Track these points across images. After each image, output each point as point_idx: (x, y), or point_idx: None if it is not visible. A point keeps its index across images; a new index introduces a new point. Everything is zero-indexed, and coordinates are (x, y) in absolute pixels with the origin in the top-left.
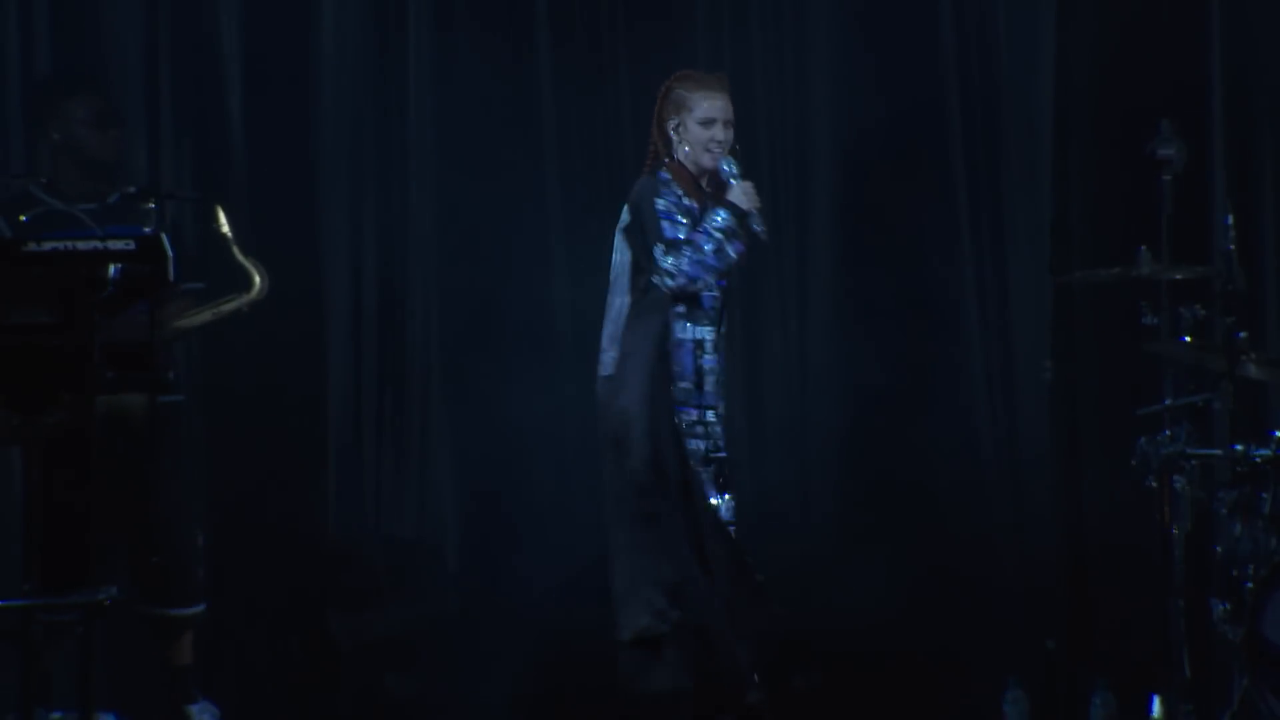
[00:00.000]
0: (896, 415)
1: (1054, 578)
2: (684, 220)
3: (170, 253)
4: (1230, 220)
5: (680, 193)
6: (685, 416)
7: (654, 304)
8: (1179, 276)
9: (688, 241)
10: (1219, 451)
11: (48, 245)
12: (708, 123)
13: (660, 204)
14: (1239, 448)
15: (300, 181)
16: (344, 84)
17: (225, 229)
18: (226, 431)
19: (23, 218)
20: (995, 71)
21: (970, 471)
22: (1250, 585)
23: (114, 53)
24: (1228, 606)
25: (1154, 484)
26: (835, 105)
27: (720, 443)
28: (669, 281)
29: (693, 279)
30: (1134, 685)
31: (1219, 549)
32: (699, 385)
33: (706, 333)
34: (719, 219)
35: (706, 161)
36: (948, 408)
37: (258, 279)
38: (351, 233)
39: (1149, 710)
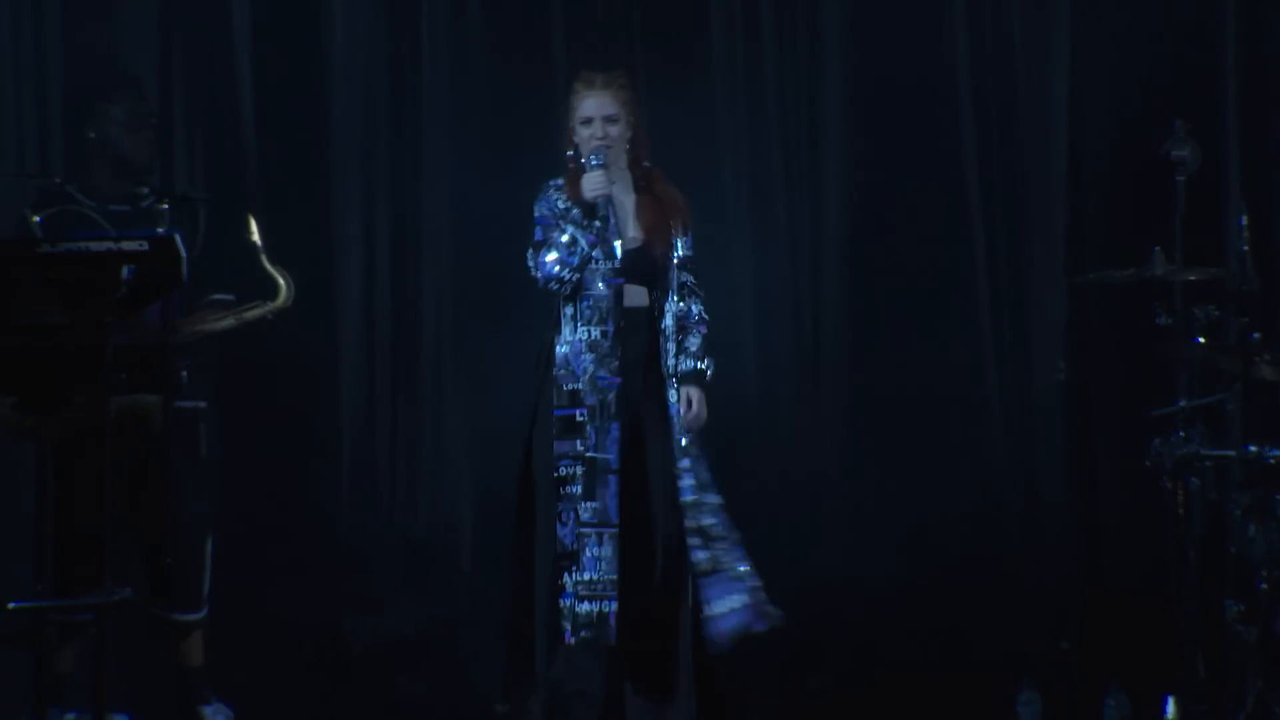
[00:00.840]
0: (910, 416)
1: (1068, 578)
2: (554, 222)
3: (184, 254)
4: (1244, 221)
5: (555, 198)
6: (578, 416)
7: (551, 308)
8: (1193, 277)
9: (546, 241)
10: (1233, 453)
11: (61, 246)
12: (586, 122)
13: (538, 209)
14: (1253, 449)
15: (313, 184)
16: (356, 87)
17: (256, 238)
18: (239, 433)
19: (36, 218)
20: (1010, 73)
21: (984, 472)
22: (1264, 586)
23: (127, 57)
24: (1242, 608)
25: (1168, 485)
26: (849, 109)
27: (592, 442)
28: (539, 283)
29: (550, 276)
30: (1148, 686)
31: (1233, 550)
32: (585, 384)
33: (584, 333)
34: (573, 213)
35: None
36: (962, 408)
37: (284, 288)
38: (364, 235)
39: (1163, 711)
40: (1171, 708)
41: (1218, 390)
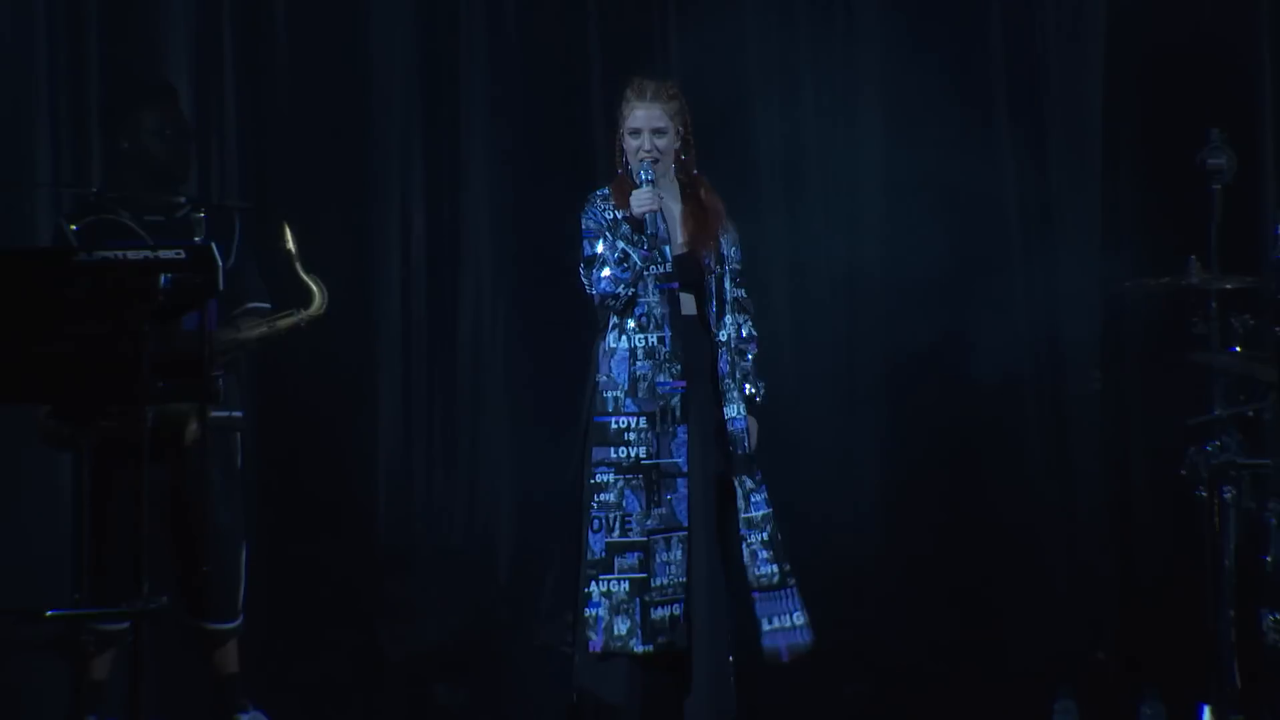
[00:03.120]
0: (945, 427)
1: (1104, 588)
2: (602, 234)
3: (220, 263)
4: None
5: (603, 208)
6: (615, 424)
7: (598, 317)
8: (1228, 286)
9: (597, 258)
10: (1268, 462)
11: (98, 255)
12: (634, 133)
13: (586, 222)
14: None
15: (349, 191)
16: (392, 93)
17: (291, 245)
18: (276, 442)
19: (73, 227)
20: (1044, 83)
21: (1020, 481)
22: None
23: (163, 66)
24: (1277, 617)
25: (1203, 494)
26: (885, 122)
27: (653, 449)
28: (595, 299)
29: (607, 291)
30: (1184, 695)
31: (1269, 559)
32: (632, 392)
33: (640, 340)
34: (623, 228)
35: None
36: (997, 418)
37: (318, 296)
38: (401, 242)
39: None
40: (1207, 716)
41: (1253, 399)
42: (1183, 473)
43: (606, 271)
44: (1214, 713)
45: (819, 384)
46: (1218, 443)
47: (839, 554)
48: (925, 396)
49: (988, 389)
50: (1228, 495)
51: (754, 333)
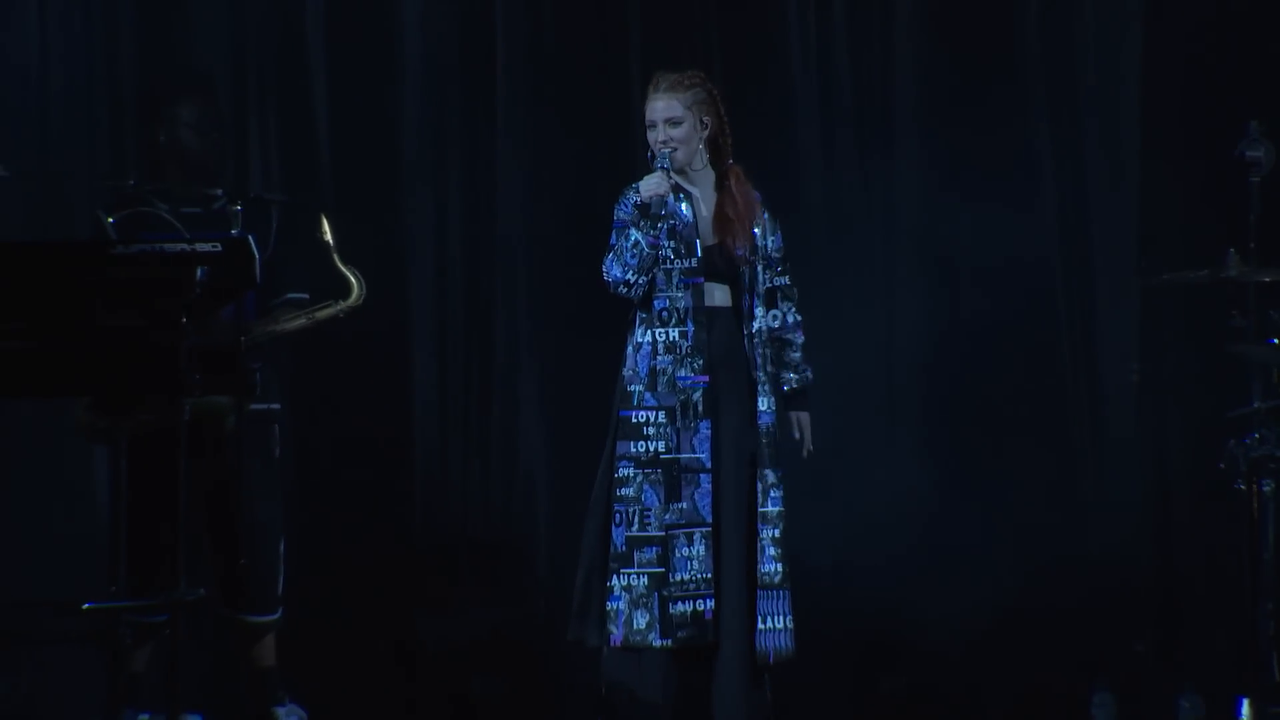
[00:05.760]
0: (984, 420)
1: (1142, 580)
2: (627, 225)
3: (257, 255)
4: None
5: (634, 200)
6: (635, 418)
7: (633, 311)
8: (1267, 279)
9: (614, 247)
10: None
11: (135, 248)
12: (651, 126)
13: (616, 213)
14: None
15: (386, 183)
16: (429, 86)
17: (328, 237)
18: (313, 434)
19: (110, 220)
20: (1082, 73)
21: (1057, 474)
22: None
23: (200, 58)
24: None
25: (1242, 486)
26: (921, 111)
27: (673, 443)
28: (609, 288)
29: (616, 278)
30: (1222, 688)
31: None
32: (651, 386)
33: (661, 334)
34: (633, 214)
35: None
36: (1035, 412)
37: (356, 287)
38: (437, 235)
39: (1237, 713)
40: (1246, 709)
41: None
42: (1221, 465)
43: (617, 260)
44: (1252, 706)
45: (859, 391)
46: (1256, 435)
47: (875, 550)
48: (965, 390)
49: (1026, 381)
50: (1266, 488)
51: (798, 318)
